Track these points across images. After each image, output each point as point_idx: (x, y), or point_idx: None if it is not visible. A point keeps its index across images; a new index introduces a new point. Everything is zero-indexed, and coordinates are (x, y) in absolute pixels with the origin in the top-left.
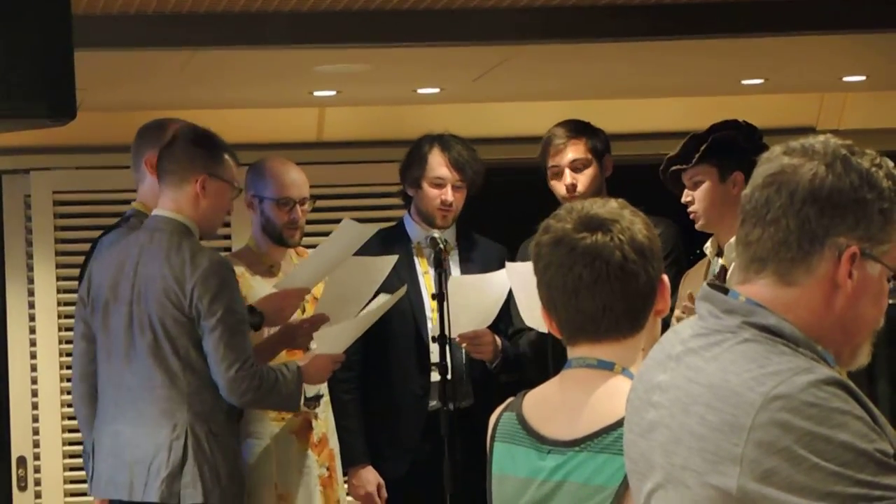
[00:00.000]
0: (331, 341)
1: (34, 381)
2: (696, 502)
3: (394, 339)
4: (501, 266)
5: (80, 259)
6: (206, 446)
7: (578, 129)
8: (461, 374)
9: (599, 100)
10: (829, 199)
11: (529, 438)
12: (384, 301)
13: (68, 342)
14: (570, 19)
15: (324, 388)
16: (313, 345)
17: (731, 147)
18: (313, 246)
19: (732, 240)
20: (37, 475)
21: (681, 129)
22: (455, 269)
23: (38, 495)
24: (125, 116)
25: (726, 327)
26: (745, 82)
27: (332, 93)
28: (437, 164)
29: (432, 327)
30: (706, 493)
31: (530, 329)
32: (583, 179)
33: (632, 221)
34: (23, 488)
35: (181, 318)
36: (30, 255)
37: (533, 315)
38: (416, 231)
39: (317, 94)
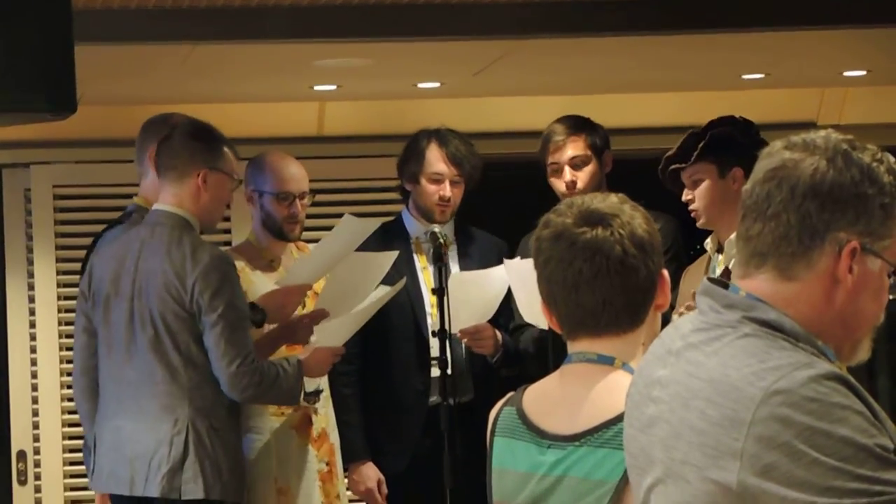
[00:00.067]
0: (330, 334)
1: (34, 376)
2: (696, 497)
3: (394, 335)
4: (500, 260)
5: (81, 253)
6: (207, 441)
7: (578, 125)
8: (461, 369)
9: (600, 94)
10: (829, 194)
11: (529, 433)
12: (384, 293)
13: (68, 336)
14: (570, 13)
15: (323, 383)
16: (313, 338)
17: (729, 143)
18: (313, 240)
19: (733, 236)
20: (37, 469)
21: (681, 124)
22: (453, 264)
23: (38, 489)
24: (126, 110)
25: (726, 322)
26: (745, 77)
27: (333, 87)
28: (435, 159)
29: (432, 322)
30: (706, 488)
31: (531, 325)
32: (582, 176)
33: (632, 216)
34: (23, 482)
35: (182, 312)
36: (30, 250)
37: (532, 312)
38: (414, 226)
39: (317, 88)
